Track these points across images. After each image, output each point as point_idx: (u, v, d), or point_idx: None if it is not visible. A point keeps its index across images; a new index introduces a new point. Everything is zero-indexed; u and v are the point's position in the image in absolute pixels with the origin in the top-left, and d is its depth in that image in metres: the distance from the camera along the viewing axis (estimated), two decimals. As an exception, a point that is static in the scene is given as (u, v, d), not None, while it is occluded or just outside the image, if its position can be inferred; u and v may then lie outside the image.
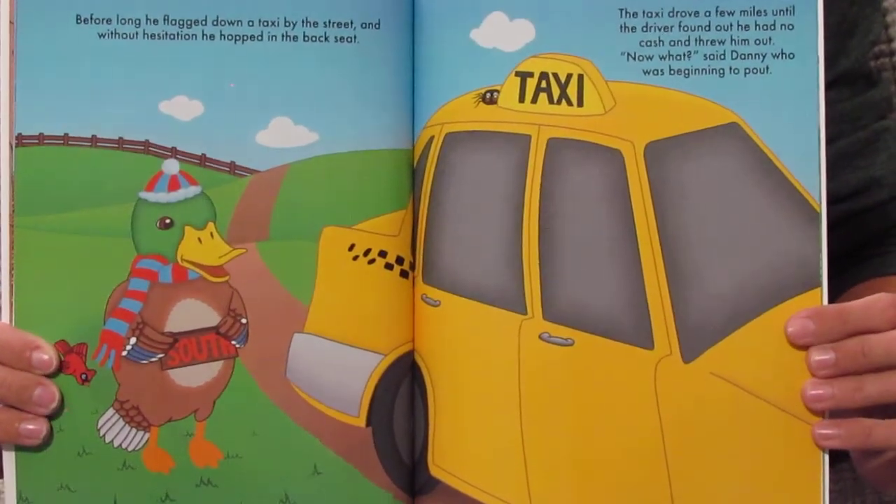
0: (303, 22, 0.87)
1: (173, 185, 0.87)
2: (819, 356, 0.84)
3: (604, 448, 0.85)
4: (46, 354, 0.86)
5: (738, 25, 0.86)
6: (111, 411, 0.87)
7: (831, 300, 0.86)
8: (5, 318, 0.87)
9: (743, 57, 0.85)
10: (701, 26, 0.86)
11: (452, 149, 0.87)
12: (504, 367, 0.86)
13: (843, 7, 1.10)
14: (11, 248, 0.86)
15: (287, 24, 0.87)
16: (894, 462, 0.87)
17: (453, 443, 0.87)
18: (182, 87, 0.86)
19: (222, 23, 0.86)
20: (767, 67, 0.85)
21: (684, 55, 0.86)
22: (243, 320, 0.87)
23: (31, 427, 0.86)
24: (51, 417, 0.86)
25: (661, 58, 0.86)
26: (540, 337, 0.85)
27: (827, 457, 0.85)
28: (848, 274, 1.05)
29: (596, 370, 0.85)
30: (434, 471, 0.88)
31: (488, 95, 0.87)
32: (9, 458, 0.87)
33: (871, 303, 0.84)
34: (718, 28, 0.85)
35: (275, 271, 0.87)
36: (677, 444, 0.85)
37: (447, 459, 0.87)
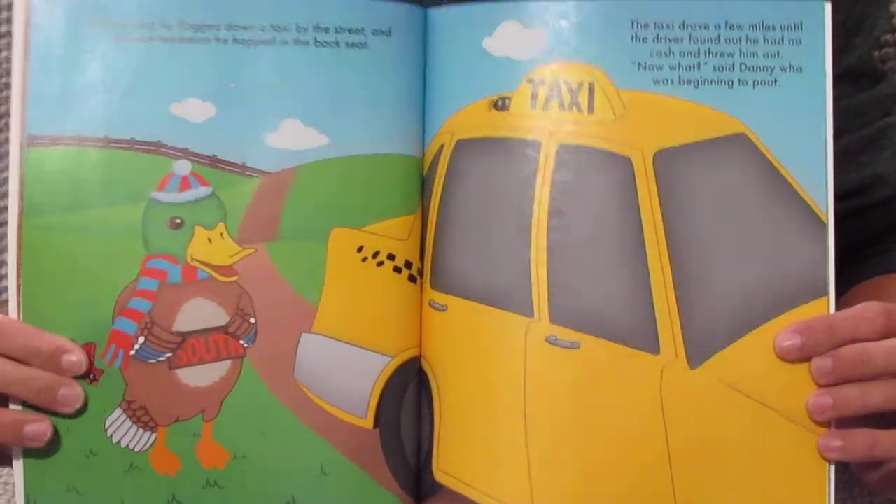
0: (314, 27, 0.87)
1: (184, 185, 0.87)
2: (818, 362, 0.84)
3: (608, 452, 0.85)
4: (76, 356, 0.86)
5: (747, 39, 0.87)
6: (119, 411, 0.87)
7: (835, 298, 0.86)
8: (13, 317, 0.86)
9: (751, 69, 0.86)
10: (711, 38, 0.86)
11: (463, 155, 0.88)
12: (510, 369, 0.86)
13: (848, 4, 1.10)
14: (20, 247, 0.86)
15: (299, 29, 0.87)
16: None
17: (458, 447, 0.88)
18: (194, 89, 0.87)
19: (235, 27, 0.87)
20: (776, 80, 0.86)
21: (694, 66, 0.86)
22: (252, 320, 0.87)
23: (35, 428, 0.85)
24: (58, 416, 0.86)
25: (672, 68, 0.86)
26: (546, 340, 0.86)
27: (833, 466, 0.85)
28: (851, 271, 1.05)
29: (602, 374, 0.85)
30: (438, 476, 0.88)
31: (500, 102, 0.87)
32: (17, 461, 0.87)
33: (860, 312, 0.85)
34: (728, 41, 0.86)
35: (283, 272, 0.87)
36: (682, 450, 0.85)
37: (452, 464, 0.88)
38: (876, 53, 1.17)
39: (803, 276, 0.86)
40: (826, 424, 0.85)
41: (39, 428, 0.86)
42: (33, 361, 0.85)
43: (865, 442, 0.84)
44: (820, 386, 0.85)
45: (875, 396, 0.84)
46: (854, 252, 1.09)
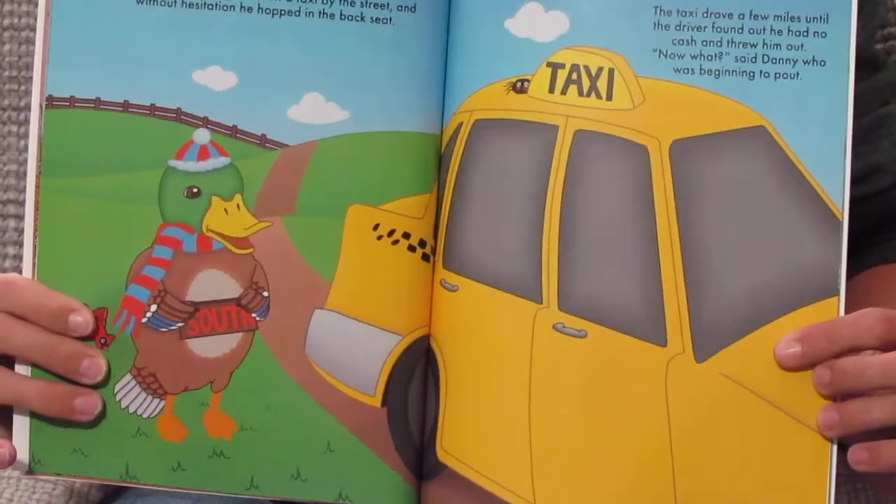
0: (340, 0, 0.87)
1: (203, 154, 0.87)
2: (818, 372, 0.84)
3: (610, 442, 0.86)
4: (82, 317, 0.86)
5: (771, 30, 0.86)
6: (128, 377, 0.87)
7: None
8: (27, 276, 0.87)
9: (774, 61, 0.86)
10: (734, 28, 0.86)
11: (480, 136, 0.88)
12: (516, 354, 0.87)
13: None
14: (37, 209, 0.87)
15: (324, 1, 0.87)
16: None
17: (462, 428, 0.88)
18: (217, 57, 0.86)
19: None
20: (798, 73, 0.86)
21: (715, 56, 0.86)
22: (265, 293, 0.87)
23: (85, 401, 0.86)
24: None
25: (693, 57, 0.86)
26: (554, 327, 0.86)
27: (834, 464, 0.85)
28: (852, 261, 1.05)
29: (607, 363, 0.86)
30: (441, 455, 0.88)
31: (519, 84, 0.87)
32: (22, 420, 0.87)
33: (859, 319, 0.84)
34: (751, 31, 0.86)
35: (299, 246, 0.87)
36: (684, 442, 0.85)
37: (455, 445, 0.88)
38: (881, 46, 1.16)
39: (815, 275, 0.86)
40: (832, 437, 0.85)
41: (89, 401, 0.86)
42: (40, 319, 0.85)
43: (893, 454, 0.84)
44: (821, 396, 0.84)
45: (879, 411, 0.83)
46: (854, 242, 1.07)
